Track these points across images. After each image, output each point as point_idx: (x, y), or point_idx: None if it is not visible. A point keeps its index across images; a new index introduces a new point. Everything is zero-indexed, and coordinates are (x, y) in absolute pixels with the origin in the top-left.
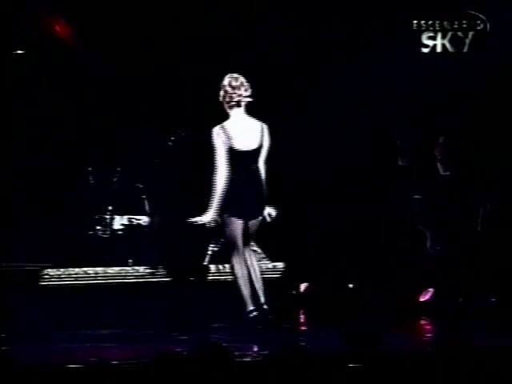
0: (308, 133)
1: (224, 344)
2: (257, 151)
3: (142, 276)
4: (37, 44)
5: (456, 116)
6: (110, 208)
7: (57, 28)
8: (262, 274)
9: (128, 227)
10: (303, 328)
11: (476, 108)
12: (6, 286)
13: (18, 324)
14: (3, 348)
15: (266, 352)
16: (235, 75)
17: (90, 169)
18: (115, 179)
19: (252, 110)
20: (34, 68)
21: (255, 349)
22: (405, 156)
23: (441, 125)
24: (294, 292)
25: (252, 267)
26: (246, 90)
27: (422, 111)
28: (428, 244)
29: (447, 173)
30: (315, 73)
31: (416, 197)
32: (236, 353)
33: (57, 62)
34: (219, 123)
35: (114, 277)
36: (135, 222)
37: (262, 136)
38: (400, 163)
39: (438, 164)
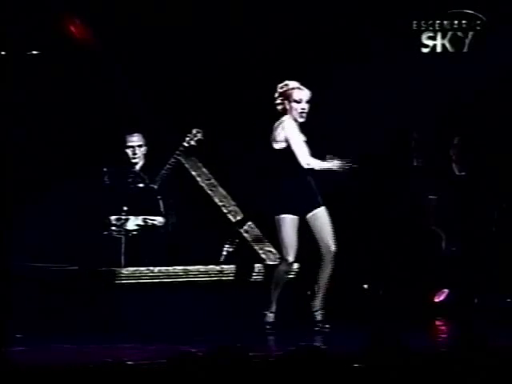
0: (314, 135)
1: (239, 345)
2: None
3: (157, 276)
4: (52, 44)
5: (471, 116)
6: (125, 208)
7: (72, 28)
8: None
9: (143, 228)
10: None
11: (490, 108)
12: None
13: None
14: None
15: (280, 352)
16: (301, 87)
17: (105, 169)
18: (130, 179)
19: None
20: (50, 68)
21: (270, 349)
22: (420, 156)
23: (456, 125)
24: (309, 293)
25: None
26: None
27: (436, 112)
28: (443, 244)
29: (462, 173)
30: (315, 73)
31: (431, 197)
32: (251, 354)
33: (72, 61)
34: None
35: (128, 277)
36: (150, 222)
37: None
38: (415, 163)
39: (454, 164)
